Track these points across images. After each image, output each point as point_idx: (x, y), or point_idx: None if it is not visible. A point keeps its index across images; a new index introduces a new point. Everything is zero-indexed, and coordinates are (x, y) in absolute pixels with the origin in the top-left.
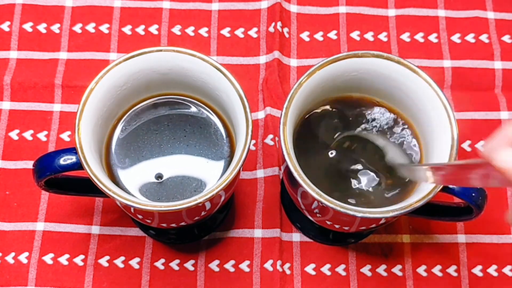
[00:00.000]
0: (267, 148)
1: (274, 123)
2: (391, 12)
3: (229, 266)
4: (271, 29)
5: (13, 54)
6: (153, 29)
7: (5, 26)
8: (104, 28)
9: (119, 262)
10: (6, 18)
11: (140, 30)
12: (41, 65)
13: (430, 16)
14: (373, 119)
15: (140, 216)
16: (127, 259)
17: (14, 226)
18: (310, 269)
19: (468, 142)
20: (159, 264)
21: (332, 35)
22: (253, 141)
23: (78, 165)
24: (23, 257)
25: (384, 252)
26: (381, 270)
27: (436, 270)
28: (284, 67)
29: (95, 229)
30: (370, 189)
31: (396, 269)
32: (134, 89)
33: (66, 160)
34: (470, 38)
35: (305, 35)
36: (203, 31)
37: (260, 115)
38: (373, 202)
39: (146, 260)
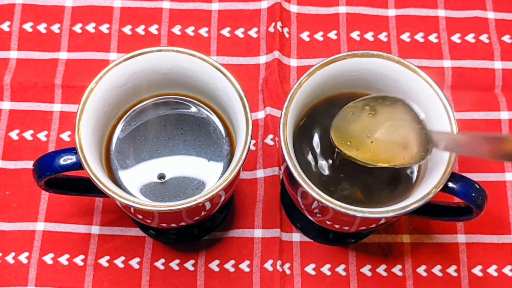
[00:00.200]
0: (267, 148)
1: (274, 123)
2: (391, 12)
3: (229, 266)
4: (271, 29)
5: (13, 54)
6: (153, 29)
7: (5, 26)
8: (104, 28)
9: (119, 262)
10: (6, 18)
11: (140, 30)
12: (41, 65)
13: (430, 16)
14: None
15: (140, 216)
16: (127, 259)
17: (14, 226)
18: (310, 269)
19: None
20: (159, 264)
21: (332, 35)
22: (253, 141)
23: (78, 165)
24: (23, 257)
25: (384, 252)
26: (381, 270)
27: (436, 270)
28: (284, 67)
29: (95, 229)
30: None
31: (396, 269)
32: (134, 89)
33: (66, 160)
34: (470, 38)
35: (305, 35)
36: (203, 31)
37: (260, 115)
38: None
39: (146, 260)
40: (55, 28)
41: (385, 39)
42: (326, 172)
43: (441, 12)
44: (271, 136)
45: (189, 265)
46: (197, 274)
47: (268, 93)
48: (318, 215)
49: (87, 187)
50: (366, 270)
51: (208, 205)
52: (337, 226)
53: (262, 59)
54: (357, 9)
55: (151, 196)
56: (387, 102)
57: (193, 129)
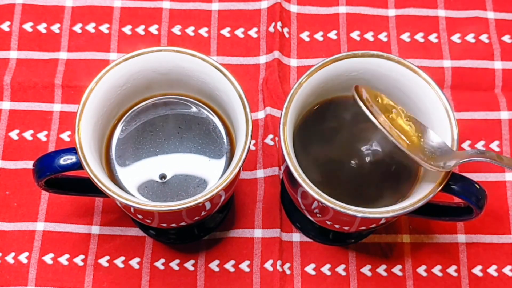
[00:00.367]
0: (267, 148)
1: (274, 123)
2: (391, 12)
3: (229, 266)
4: (271, 29)
5: (13, 54)
6: (153, 29)
7: (5, 26)
8: (104, 28)
9: (119, 262)
10: (6, 18)
11: (140, 30)
12: (41, 65)
13: (430, 16)
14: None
15: (140, 216)
16: (127, 259)
17: (14, 226)
18: (310, 269)
19: (468, 142)
20: (159, 264)
21: (332, 35)
22: (253, 141)
23: (78, 165)
24: (23, 257)
25: (384, 252)
26: (381, 270)
27: (436, 270)
28: (284, 67)
29: (95, 229)
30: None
31: (396, 269)
32: (134, 89)
33: (66, 160)
34: (470, 38)
35: (305, 35)
36: (203, 31)
37: (260, 115)
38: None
39: (146, 260)
40: (55, 28)
41: (385, 39)
42: (326, 172)
43: (441, 12)
44: (271, 136)
45: (189, 265)
46: (197, 274)
47: (268, 93)
48: (318, 215)
49: (87, 187)
50: (366, 270)
51: (208, 205)
52: (337, 226)
53: (262, 59)
54: (357, 9)
55: (151, 196)
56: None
57: (193, 129)
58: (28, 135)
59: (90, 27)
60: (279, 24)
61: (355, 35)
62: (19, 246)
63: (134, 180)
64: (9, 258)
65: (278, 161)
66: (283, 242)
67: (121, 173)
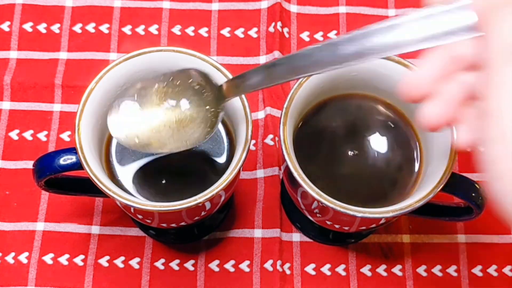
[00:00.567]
0: (267, 148)
1: (274, 123)
2: (391, 12)
3: (229, 266)
4: (271, 29)
5: (13, 54)
6: (153, 29)
7: (5, 26)
8: (104, 28)
9: (119, 262)
10: (6, 18)
11: (140, 30)
12: (41, 65)
13: None
14: (373, 118)
15: (140, 216)
16: (127, 259)
17: (14, 226)
18: (310, 269)
19: None
20: (159, 264)
21: (332, 35)
22: (253, 141)
23: (78, 165)
24: (23, 257)
25: (384, 252)
26: (381, 270)
27: (436, 270)
28: None
29: (95, 229)
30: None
31: (396, 269)
32: None
33: (66, 160)
34: None
35: (305, 35)
36: (203, 31)
37: (260, 115)
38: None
39: (146, 260)
40: (55, 28)
41: None
42: (326, 172)
43: None
44: (271, 136)
45: (189, 265)
46: (197, 274)
47: (268, 93)
48: (318, 215)
49: (87, 187)
50: (366, 270)
51: (208, 205)
52: (337, 226)
53: (262, 59)
54: (357, 9)
55: (151, 196)
56: (177, 83)
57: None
58: (28, 135)
59: (90, 27)
60: (279, 24)
61: None
62: (19, 246)
63: (134, 180)
64: (9, 258)
65: (278, 161)
66: (283, 242)
67: (121, 173)
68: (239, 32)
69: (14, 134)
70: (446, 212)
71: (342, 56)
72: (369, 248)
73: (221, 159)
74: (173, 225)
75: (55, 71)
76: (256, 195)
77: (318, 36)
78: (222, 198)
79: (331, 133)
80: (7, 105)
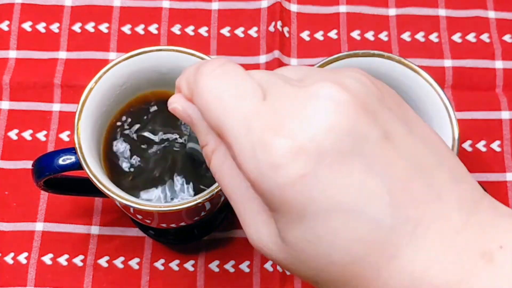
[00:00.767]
0: None
1: None
2: (392, 12)
3: (229, 266)
4: (271, 28)
5: (12, 54)
6: (153, 28)
7: (4, 26)
8: (103, 27)
9: (118, 262)
10: (5, 18)
11: (139, 29)
12: (40, 64)
13: (431, 15)
14: None
15: (139, 216)
16: (126, 259)
17: (13, 226)
18: None
19: (469, 142)
20: (159, 264)
21: (333, 34)
22: None
23: (77, 165)
24: (22, 258)
25: None
26: None
27: None
28: None
29: (95, 229)
30: None
31: None
32: (133, 89)
33: (65, 160)
34: (471, 37)
35: (305, 35)
36: (203, 31)
37: None
38: None
39: (145, 261)
40: (54, 27)
41: (385, 39)
42: None
43: (442, 12)
44: None
45: (189, 265)
46: (197, 274)
47: None
48: None
49: (87, 187)
50: None
51: (208, 205)
52: None
53: (262, 59)
54: (357, 8)
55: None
56: None
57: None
58: (27, 135)
59: (90, 27)
60: (279, 23)
61: (355, 34)
62: (18, 246)
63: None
64: (8, 259)
65: None
66: None
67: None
68: (239, 32)
69: (13, 134)
70: None
71: None
72: None
73: None
74: (173, 225)
75: (54, 71)
76: None
77: (319, 35)
78: (222, 198)
79: None
80: (6, 104)
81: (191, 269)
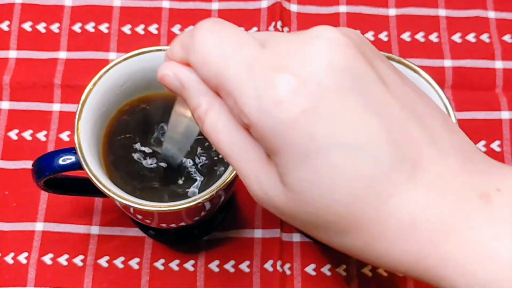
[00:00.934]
0: None
1: None
2: (392, 12)
3: (229, 266)
4: (271, 28)
5: (12, 54)
6: (153, 28)
7: (4, 26)
8: (103, 27)
9: (118, 262)
10: (5, 18)
11: (139, 29)
12: (40, 64)
13: (431, 15)
14: None
15: (139, 216)
16: (126, 259)
17: (13, 226)
18: (310, 269)
19: None
20: (159, 264)
21: None
22: None
23: (77, 165)
24: (22, 257)
25: None
26: (382, 270)
27: None
28: None
29: (95, 229)
30: None
31: None
32: (133, 89)
33: (65, 160)
34: (471, 37)
35: None
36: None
37: None
38: None
39: (145, 261)
40: (55, 27)
41: (385, 39)
42: None
43: (442, 12)
44: None
45: (189, 265)
46: (197, 274)
47: None
48: None
49: (87, 187)
50: (366, 270)
51: (208, 205)
52: None
53: None
54: (357, 8)
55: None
56: None
57: None
58: (27, 135)
59: (90, 27)
60: (279, 23)
61: None
62: (18, 246)
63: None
64: (8, 259)
65: None
66: (283, 242)
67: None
68: None
69: (13, 134)
70: None
71: None
72: None
73: (221, 159)
74: (173, 225)
75: (54, 71)
76: None
77: None
78: (222, 198)
79: None
80: (6, 104)
81: (191, 269)
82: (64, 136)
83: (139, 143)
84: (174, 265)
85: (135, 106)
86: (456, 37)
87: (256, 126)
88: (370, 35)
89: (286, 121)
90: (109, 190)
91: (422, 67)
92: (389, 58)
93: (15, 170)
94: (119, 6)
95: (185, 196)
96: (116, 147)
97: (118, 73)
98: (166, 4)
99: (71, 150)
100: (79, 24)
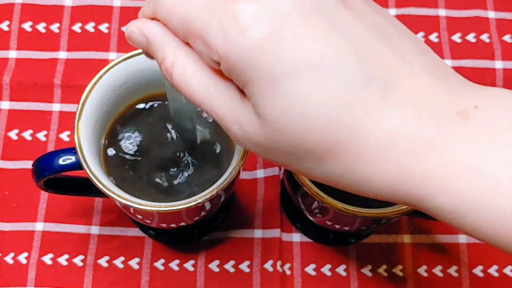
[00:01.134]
0: None
1: None
2: (392, 12)
3: (229, 266)
4: None
5: (12, 54)
6: None
7: (4, 26)
8: (103, 27)
9: (118, 262)
10: (5, 18)
11: None
12: (41, 64)
13: (431, 15)
14: None
15: (139, 216)
16: (126, 259)
17: (13, 226)
18: (310, 269)
19: None
20: (159, 264)
21: None
22: None
23: (77, 165)
24: (22, 258)
25: (384, 252)
26: (382, 270)
27: (437, 270)
28: None
29: (95, 229)
30: None
31: (397, 270)
32: (133, 89)
33: (65, 160)
34: (470, 37)
35: None
36: None
37: None
38: None
39: (145, 261)
40: (55, 27)
41: None
42: None
43: (442, 12)
44: None
45: (189, 265)
46: (197, 274)
47: None
48: (318, 215)
49: (87, 187)
50: (366, 270)
51: (208, 205)
52: (337, 226)
53: None
54: None
55: (151, 196)
56: None
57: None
58: (27, 135)
59: (90, 27)
60: None
61: None
62: (18, 246)
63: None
64: (8, 259)
65: None
66: (283, 242)
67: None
68: None
69: (13, 134)
70: None
71: None
72: (370, 248)
73: (221, 159)
74: (173, 225)
75: (54, 71)
76: (256, 195)
77: None
78: (222, 198)
79: None
80: (6, 104)
81: (191, 269)
82: (64, 136)
83: (139, 143)
84: (174, 265)
85: (136, 106)
86: (456, 37)
87: (225, 58)
88: None
89: (252, 48)
90: (109, 190)
91: None
92: None
93: (15, 170)
94: (119, 6)
95: (185, 192)
96: (117, 147)
97: (118, 73)
98: None
99: (71, 150)
100: (79, 24)
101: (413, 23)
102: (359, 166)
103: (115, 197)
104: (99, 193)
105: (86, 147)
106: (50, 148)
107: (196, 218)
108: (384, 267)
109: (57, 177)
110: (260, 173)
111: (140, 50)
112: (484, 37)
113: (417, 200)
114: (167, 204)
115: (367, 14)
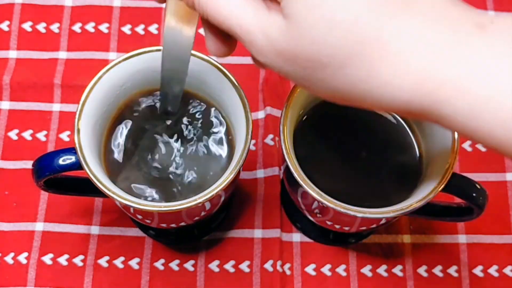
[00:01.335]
0: (267, 148)
1: (274, 123)
2: None
3: (229, 266)
4: None
5: (13, 54)
6: (153, 28)
7: (4, 26)
8: (103, 27)
9: (118, 262)
10: (5, 18)
11: (139, 29)
12: (41, 64)
13: None
14: (373, 117)
15: (139, 216)
16: (126, 259)
17: (13, 226)
18: (310, 269)
19: (469, 142)
20: (159, 264)
21: None
22: (253, 141)
23: (77, 165)
24: (22, 257)
25: (384, 252)
26: (382, 270)
27: (437, 270)
28: None
29: (95, 229)
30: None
31: (397, 270)
32: (133, 89)
33: (65, 160)
34: None
35: None
36: (202, 31)
37: (260, 115)
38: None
39: (145, 261)
40: (55, 27)
41: None
42: (327, 171)
43: None
44: (271, 136)
45: (189, 265)
46: (197, 274)
47: (268, 93)
48: (318, 215)
49: (87, 187)
50: (366, 270)
51: (208, 205)
52: (337, 226)
53: None
54: None
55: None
56: None
57: (194, 130)
58: (27, 135)
59: (90, 27)
60: None
61: None
62: (18, 246)
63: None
64: (8, 259)
65: (278, 161)
66: (283, 242)
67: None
68: None
69: (13, 134)
70: (446, 212)
71: None
72: (370, 248)
73: (221, 159)
74: (173, 225)
75: (54, 71)
76: (256, 195)
77: None
78: (222, 198)
79: (331, 133)
80: (6, 105)
81: (191, 269)
82: (64, 136)
83: (139, 143)
84: (174, 265)
85: (135, 106)
86: None
87: None
88: None
89: None
90: (109, 190)
91: None
92: None
93: (15, 170)
94: (119, 6)
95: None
96: (117, 147)
97: (118, 73)
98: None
99: (71, 150)
100: (79, 24)
101: None
102: (382, 69)
103: (115, 197)
104: (99, 193)
105: (86, 147)
106: (50, 148)
107: (196, 218)
108: (384, 267)
109: (57, 177)
110: (260, 173)
111: (140, 50)
112: None
113: (435, 105)
114: (167, 204)
115: None
